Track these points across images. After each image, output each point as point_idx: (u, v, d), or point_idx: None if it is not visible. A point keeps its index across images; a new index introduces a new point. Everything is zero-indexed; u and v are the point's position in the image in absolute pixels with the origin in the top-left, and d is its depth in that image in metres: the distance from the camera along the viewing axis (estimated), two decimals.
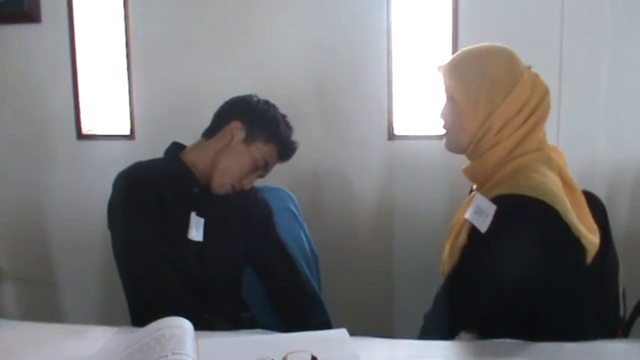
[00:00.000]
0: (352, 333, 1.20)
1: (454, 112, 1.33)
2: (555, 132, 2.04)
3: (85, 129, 2.32)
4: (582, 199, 1.32)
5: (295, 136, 1.60)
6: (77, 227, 2.32)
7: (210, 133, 1.57)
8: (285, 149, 1.58)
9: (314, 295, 1.68)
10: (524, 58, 2.01)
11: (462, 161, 2.08)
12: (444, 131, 1.38)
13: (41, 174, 2.34)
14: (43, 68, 2.29)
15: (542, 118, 1.31)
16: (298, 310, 1.62)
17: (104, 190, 1.51)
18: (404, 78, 2.15)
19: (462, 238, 1.28)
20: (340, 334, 1.17)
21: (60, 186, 2.33)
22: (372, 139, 2.16)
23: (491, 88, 1.28)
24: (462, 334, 1.25)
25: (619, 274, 1.45)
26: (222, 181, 1.53)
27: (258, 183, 1.64)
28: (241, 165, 1.52)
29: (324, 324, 1.61)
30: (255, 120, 1.53)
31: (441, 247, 2.15)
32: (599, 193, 1.57)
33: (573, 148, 2.03)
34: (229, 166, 1.52)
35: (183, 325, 1.01)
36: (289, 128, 1.60)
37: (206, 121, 1.59)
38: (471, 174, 1.36)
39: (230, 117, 1.54)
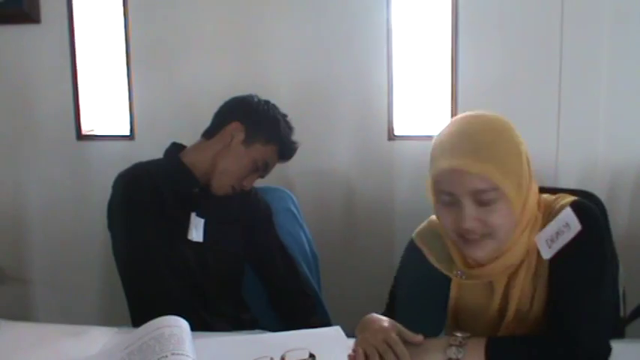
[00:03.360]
0: (352, 333, 1.20)
1: (504, 209, 1.07)
2: (555, 133, 2.04)
3: (85, 129, 2.32)
4: None
5: (295, 136, 1.60)
6: (77, 227, 2.32)
7: (210, 133, 1.57)
8: (286, 149, 1.58)
9: (314, 296, 1.68)
10: (525, 58, 2.04)
11: None
12: (485, 236, 1.09)
13: (41, 174, 2.34)
14: (43, 68, 2.29)
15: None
16: (298, 310, 1.62)
17: (104, 190, 1.51)
18: (404, 78, 2.15)
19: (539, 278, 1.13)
20: (335, 331, 1.17)
21: (60, 186, 2.33)
22: (372, 139, 2.16)
23: (526, 167, 1.11)
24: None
25: (619, 275, 1.45)
26: (222, 182, 1.53)
27: (258, 183, 1.64)
28: (241, 166, 1.52)
29: (324, 324, 1.61)
30: (255, 121, 1.53)
31: None
32: (599, 193, 1.57)
33: (573, 148, 2.04)
34: (229, 167, 1.52)
35: (182, 324, 1.02)
36: (290, 128, 1.59)
37: (206, 122, 1.59)
38: (502, 268, 1.14)
39: (230, 118, 1.54)
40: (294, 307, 1.63)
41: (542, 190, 1.27)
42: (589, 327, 1.04)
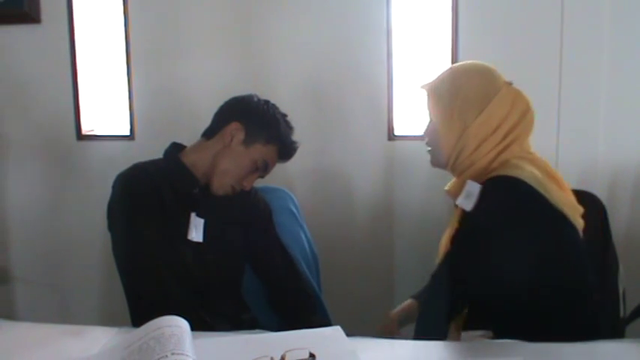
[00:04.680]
0: (352, 333, 1.20)
1: (433, 131, 1.38)
2: (555, 132, 2.04)
3: (85, 129, 2.32)
4: (567, 189, 1.33)
5: (295, 136, 1.60)
6: (77, 228, 2.32)
7: (209, 133, 1.57)
8: (286, 149, 1.58)
9: (314, 296, 1.68)
10: (525, 58, 2.04)
11: None
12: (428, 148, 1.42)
13: (41, 174, 2.34)
14: (43, 68, 2.29)
15: (523, 134, 1.32)
16: (298, 310, 1.62)
17: (104, 190, 1.51)
18: (404, 78, 2.15)
19: (454, 227, 1.32)
20: (335, 331, 1.17)
21: (60, 186, 2.33)
22: (372, 139, 2.16)
23: (463, 107, 1.31)
24: (470, 333, 1.25)
25: (619, 275, 1.45)
26: (222, 182, 1.52)
27: (258, 183, 1.63)
28: (241, 166, 1.52)
29: (324, 324, 1.60)
30: (255, 121, 1.53)
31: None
32: (599, 193, 1.57)
33: (573, 148, 2.04)
34: (229, 167, 1.52)
35: (182, 324, 1.01)
36: (290, 128, 1.59)
37: (206, 121, 1.59)
38: (453, 194, 1.36)
39: (230, 118, 1.54)
40: (294, 307, 1.63)
41: None
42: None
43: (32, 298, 2.38)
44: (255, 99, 1.58)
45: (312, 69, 2.17)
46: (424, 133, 1.42)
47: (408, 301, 1.57)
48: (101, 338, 1.14)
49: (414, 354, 1.17)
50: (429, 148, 1.41)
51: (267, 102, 1.58)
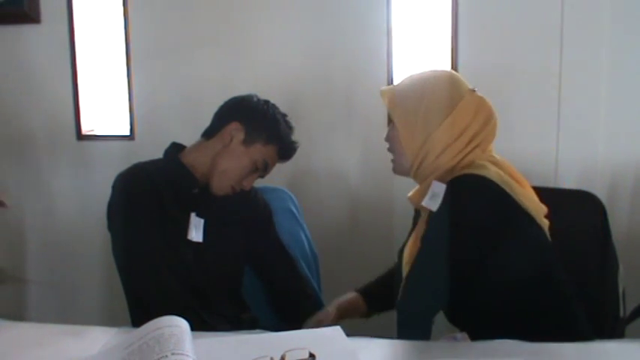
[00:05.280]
0: (352, 333, 1.20)
1: (395, 136, 1.35)
2: (555, 132, 2.04)
3: (85, 129, 2.32)
4: (531, 190, 1.33)
5: (295, 136, 1.60)
6: (77, 228, 2.32)
7: (209, 133, 1.57)
8: (286, 149, 1.58)
9: (314, 296, 1.68)
10: (525, 58, 2.04)
11: None
12: (391, 155, 1.40)
13: (41, 174, 2.34)
14: (43, 68, 2.29)
15: (486, 140, 1.31)
16: (298, 310, 1.62)
17: (104, 190, 1.51)
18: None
19: (423, 228, 1.32)
20: (334, 331, 1.17)
21: (60, 186, 2.33)
22: (371, 139, 2.16)
23: (428, 112, 1.30)
24: (458, 335, 1.25)
25: (619, 275, 1.45)
26: (222, 183, 1.53)
27: (258, 183, 1.64)
28: (241, 166, 1.52)
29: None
30: (255, 121, 1.53)
31: None
32: (599, 193, 1.57)
33: (573, 148, 2.04)
34: (229, 167, 1.52)
35: (182, 324, 1.01)
36: (290, 128, 1.59)
37: (206, 121, 1.59)
38: (416, 201, 1.35)
39: (229, 118, 1.54)
40: (294, 307, 1.63)
41: (542, 190, 1.30)
42: None
43: (32, 298, 2.38)
44: (255, 99, 1.58)
45: (312, 69, 2.17)
46: (385, 138, 1.39)
47: (353, 294, 1.55)
48: (101, 338, 1.14)
49: (414, 354, 1.17)
50: (392, 155, 1.39)
51: (267, 102, 1.58)
